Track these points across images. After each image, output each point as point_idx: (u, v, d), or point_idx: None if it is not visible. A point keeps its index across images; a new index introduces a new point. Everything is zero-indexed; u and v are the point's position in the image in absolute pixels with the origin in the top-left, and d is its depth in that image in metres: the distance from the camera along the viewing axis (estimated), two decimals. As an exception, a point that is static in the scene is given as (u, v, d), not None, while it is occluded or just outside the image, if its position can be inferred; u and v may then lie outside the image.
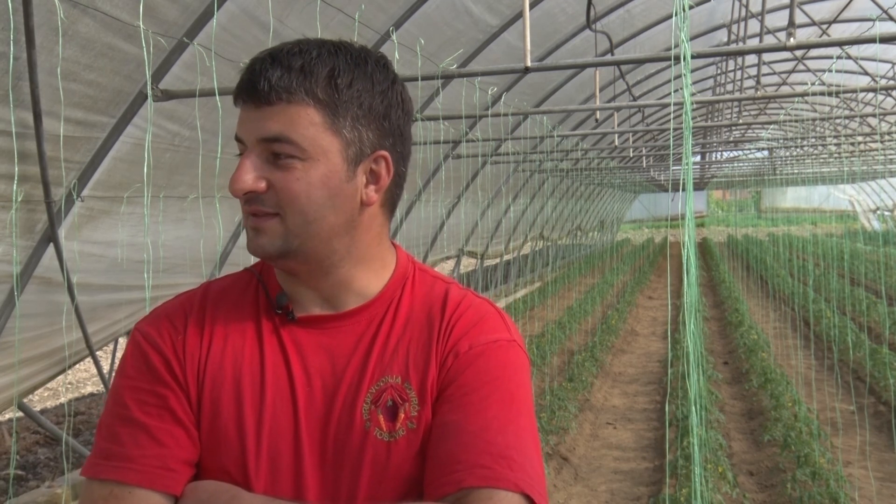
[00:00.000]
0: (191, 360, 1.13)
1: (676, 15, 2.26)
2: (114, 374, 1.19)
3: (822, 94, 9.66)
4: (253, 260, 1.22)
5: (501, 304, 13.67)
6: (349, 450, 1.10)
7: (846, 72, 11.37)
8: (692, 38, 9.24)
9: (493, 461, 1.04)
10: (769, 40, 9.03)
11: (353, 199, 1.12)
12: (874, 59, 10.73)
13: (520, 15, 6.44)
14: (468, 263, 13.70)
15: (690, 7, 2.31)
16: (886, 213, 29.03)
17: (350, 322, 1.16)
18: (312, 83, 1.07)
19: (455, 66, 4.72)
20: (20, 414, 5.49)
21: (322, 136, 1.08)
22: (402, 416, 1.10)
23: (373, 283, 1.18)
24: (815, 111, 14.48)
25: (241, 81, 1.09)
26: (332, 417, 1.11)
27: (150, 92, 3.50)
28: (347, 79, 1.09)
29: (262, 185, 1.07)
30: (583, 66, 6.64)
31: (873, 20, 4.59)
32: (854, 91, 9.40)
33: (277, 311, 1.16)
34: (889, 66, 11.83)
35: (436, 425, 1.10)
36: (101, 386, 8.13)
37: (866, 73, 10.08)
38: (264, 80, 1.06)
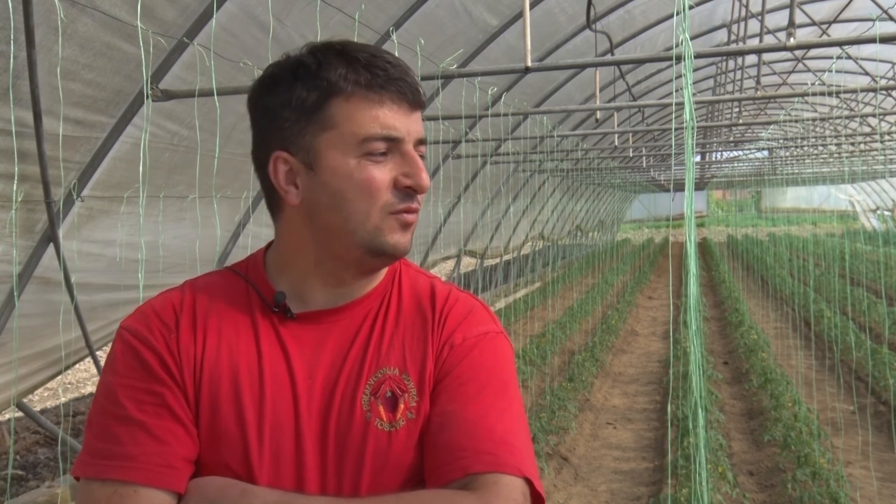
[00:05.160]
0: (186, 359, 1.13)
1: (678, 14, 2.26)
2: (101, 372, 1.16)
3: (822, 94, 9.64)
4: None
5: (501, 303, 13.66)
6: (351, 441, 1.11)
7: (846, 72, 11.36)
8: (692, 38, 9.23)
9: (496, 447, 1.07)
10: (769, 40, 9.03)
11: None
12: (874, 59, 10.72)
13: (520, 15, 6.44)
14: (468, 263, 13.69)
15: (690, 7, 2.31)
16: (886, 213, 29.02)
17: (347, 315, 1.18)
18: None
19: (455, 66, 4.71)
20: (20, 414, 5.48)
21: None
22: (401, 406, 1.13)
23: (374, 277, 1.21)
24: (815, 111, 14.48)
25: (391, 81, 1.12)
26: (333, 410, 1.12)
27: (147, 92, 3.49)
28: None
29: None
30: (583, 66, 6.64)
31: (873, 20, 4.58)
32: (854, 91, 9.39)
33: (275, 309, 1.17)
34: (889, 66, 11.83)
35: (434, 414, 1.12)
36: (101, 386, 8.10)
37: (866, 73, 10.09)
38: (419, 89, 1.16)
